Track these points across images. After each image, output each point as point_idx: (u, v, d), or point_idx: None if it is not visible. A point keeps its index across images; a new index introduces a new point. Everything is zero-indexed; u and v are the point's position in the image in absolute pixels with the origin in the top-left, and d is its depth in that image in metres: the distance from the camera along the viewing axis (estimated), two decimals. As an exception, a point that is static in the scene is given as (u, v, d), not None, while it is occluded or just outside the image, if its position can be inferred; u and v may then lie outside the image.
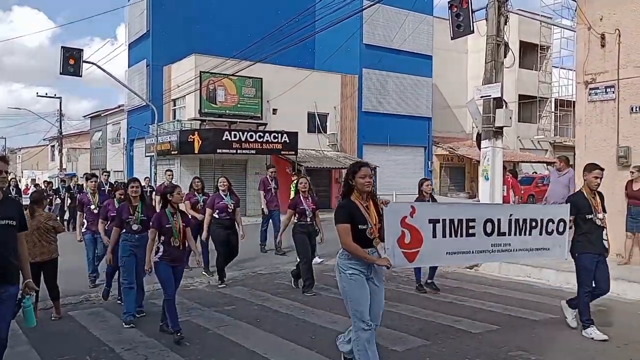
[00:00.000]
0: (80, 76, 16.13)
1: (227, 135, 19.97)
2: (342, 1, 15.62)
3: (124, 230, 6.06)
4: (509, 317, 5.94)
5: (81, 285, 7.86)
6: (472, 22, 10.21)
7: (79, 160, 38.52)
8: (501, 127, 9.68)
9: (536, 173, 29.03)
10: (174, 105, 24.15)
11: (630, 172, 8.34)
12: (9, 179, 18.40)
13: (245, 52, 19.19)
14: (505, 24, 9.98)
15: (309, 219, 7.53)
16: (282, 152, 21.38)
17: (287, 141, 21.15)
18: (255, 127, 22.04)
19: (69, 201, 16.30)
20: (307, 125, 24.58)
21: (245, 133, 20.40)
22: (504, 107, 9.82)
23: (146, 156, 23.92)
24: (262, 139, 20.73)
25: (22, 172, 42.49)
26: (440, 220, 4.37)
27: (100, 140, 33.63)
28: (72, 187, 17.26)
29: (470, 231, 4.59)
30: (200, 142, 19.72)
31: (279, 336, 5.36)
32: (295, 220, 7.53)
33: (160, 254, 5.35)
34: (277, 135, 21.05)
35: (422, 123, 28.39)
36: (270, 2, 25.98)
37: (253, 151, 20.66)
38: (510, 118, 9.85)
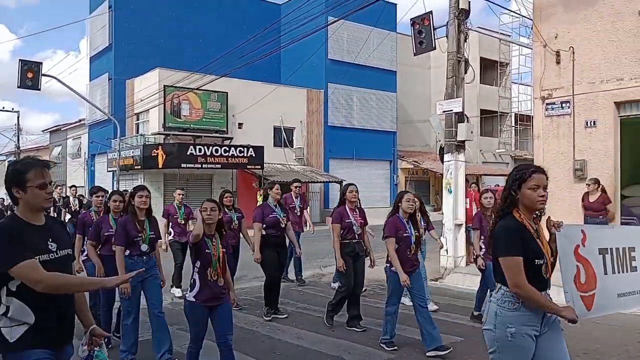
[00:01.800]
0: (39, 90, 15.72)
1: (191, 150, 19.75)
2: (307, 17, 15.79)
3: (128, 252, 4.98)
4: (473, 329, 6.01)
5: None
6: (434, 39, 10.44)
7: (37, 176, 37.37)
8: (463, 141, 9.89)
9: (498, 185, 29.70)
10: (137, 120, 23.77)
11: (587, 184, 8.63)
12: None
13: (211, 66, 19.11)
14: (465, 41, 10.25)
15: (356, 236, 6.11)
16: (248, 167, 21.28)
17: (253, 155, 21.07)
18: (221, 141, 21.89)
19: (69, 217, 14.37)
20: (274, 139, 24.58)
21: (211, 147, 20.22)
22: (466, 121, 10.05)
23: (108, 171, 23.40)
24: (227, 153, 20.58)
25: None
26: (609, 250, 3.23)
27: (60, 155, 32.73)
28: (56, 199, 14.76)
29: (633, 263, 3.38)
30: (164, 156, 19.43)
31: (245, 354, 5.28)
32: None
33: (195, 291, 4.14)
34: (242, 150, 20.95)
35: (387, 137, 28.79)
36: (237, 17, 26.06)
37: (219, 165, 20.48)
38: (472, 132, 10.09)
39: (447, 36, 10.20)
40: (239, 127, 23.26)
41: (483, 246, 6.12)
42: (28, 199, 2.47)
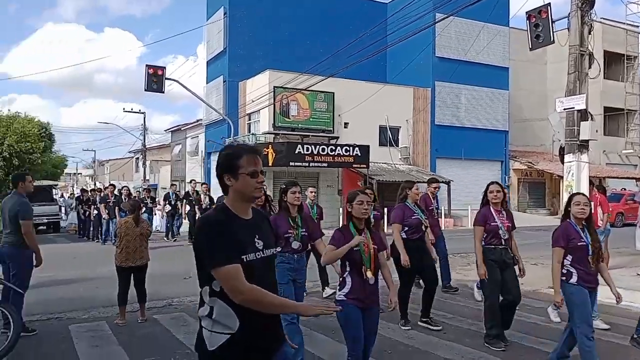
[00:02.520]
0: (163, 92, 17.02)
1: (299, 149, 20.33)
2: (414, 14, 15.58)
3: (279, 250, 4.86)
4: (598, 341, 5.55)
5: (163, 290, 8.25)
6: (552, 32, 9.84)
7: (160, 172, 40.54)
8: (586, 141, 9.22)
9: (625, 189, 27.27)
10: (249, 120, 24.93)
11: None
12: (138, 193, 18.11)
13: (318, 67, 19.55)
14: (589, 33, 9.55)
15: (502, 242, 5.31)
16: (354, 166, 21.46)
17: (359, 154, 21.21)
18: (327, 140, 22.30)
19: (187, 208, 15.61)
20: (379, 138, 24.58)
21: (317, 146, 20.67)
22: (589, 119, 9.36)
23: (222, 168, 24.75)
24: (333, 152, 20.91)
25: (109, 182, 45.28)
26: None
27: (180, 153, 35.25)
28: (190, 193, 15.85)
29: None
30: (274, 155, 20.19)
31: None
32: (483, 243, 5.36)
33: (346, 290, 3.83)
34: (348, 149, 21.17)
35: (498, 136, 27.59)
36: (343, 18, 26.35)
37: (325, 164, 20.87)
38: (597, 131, 9.38)
39: (568, 29, 9.57)
40: (345, 127, 23.54)
41: None
42: (238, 187, 2.31)
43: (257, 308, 2.17)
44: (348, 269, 3.86)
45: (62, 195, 24.66)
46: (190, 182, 16.66)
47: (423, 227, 6.13)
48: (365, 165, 21.38)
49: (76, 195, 22.13)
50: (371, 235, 3.93)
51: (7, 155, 17.33)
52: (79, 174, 71.13)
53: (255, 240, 2.31)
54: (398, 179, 22.82)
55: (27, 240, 5.82)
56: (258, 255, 2.28)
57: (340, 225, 4.32)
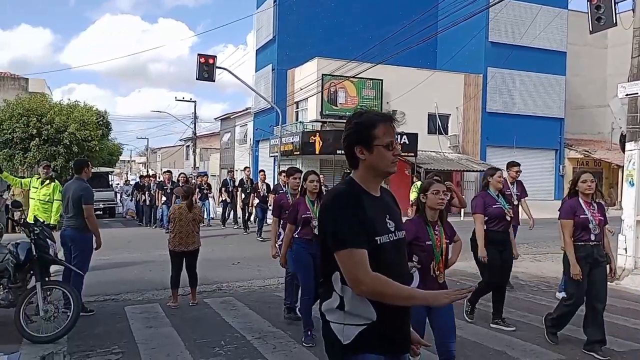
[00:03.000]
0: (214, 81, 17.22)
1: (347, 137, 20.22)
2: (467, -1, 15.13)
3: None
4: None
5: (213, 275, 8.44)
6: (615, 14, 9.35)
7: (210, 160, 41.43)
8: (650, 128, 8.74)
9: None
10: (297, 108, 25.02)
11: None
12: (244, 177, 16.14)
13: (367, 54, 19.35)
14: (657, 14, 9.00)
15: (593, 237, 4.78)
16: (402, 154, 21.20)
17: (407, 142, 20.93)
18: (375, 128, 22.09)
19: (243, 196, 15.23)
20: (428, 126, 24.16)
21: (365, 134, 20.51)
22: (654, 105, 8.85)
23: (270, 156, 25.05)
24: (381, 141, 20.69)
25: (161, 169, 46.68)
26: None
27: (229, 141, 35.86)
28: (244, 181, 15.33)
29: None
30: (321, 143, 20.22)
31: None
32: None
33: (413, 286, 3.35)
34: (396, 137, 20.88)
35: (553, 124, 26.58)
36: (393, 3, 25.91)
37: (372, 152, 20.69)
38: (661, 118, 8.85)
39: (633, 10, 9.06)
40: (395, 114, 23.23)
41: None
42: (373, 161, 2.04)
43: (379, 299, 1.93)
44: (416, 264, 3.56)
45: (126, 182, 25.41)
46: (245, 169, 16.50)
47: (507, 217, 5.56)
48: (413, 154, 21.09)
49: (135, 182, 22.74)
50: (444, 229, 3.71)
51: (68, 143, 18.05)
52: (132, 161, 73.65)
53: (387, 220, 2.06)
54: (447, 167, 22.43)
55: (89, 223, 6.07)
56: (390, 237, 2.03)
57: (412, 217, 4.00)
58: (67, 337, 5.12)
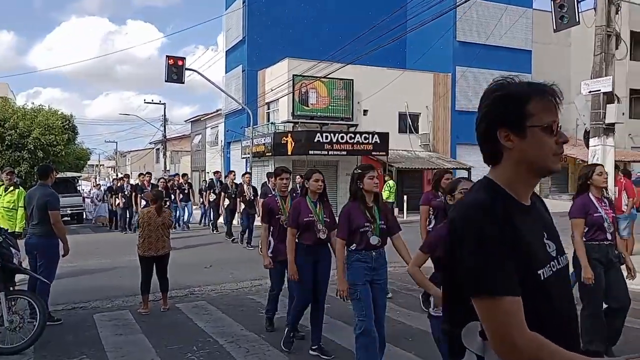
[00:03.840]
0: (183, 83, 17.05)
1: (318, 137, 20.28)
2: (435, -1, 15.31)
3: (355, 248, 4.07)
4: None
5: (185, 279, 8.33)
6: (578, 13, 9.60)
7: (180, 162, 40.92)
8: (612, 124, 9.00)
9: (650, 174, 26.64)
10: (268, 109, 24.92)
11: None
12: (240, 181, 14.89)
13: (337, 55, 19.40)
14: (617, 13, 9.28)
15: (608, 236, 4.42)
16: (373, 153, 21.32)
17: (378, 142, 21.08)
18: (346, 128, 22.20)
19: (227, 202, 14.26)
20: (398, 125, 24.36)
21: (336, 134, 20.59)
22: (616, 102, 9.12)
23: (242, 158, 24.87)
24: (352, 140, 20.82)
25: (131, 173, 45.91)
26: None
27: (200, 143, 35.48)
28: (229, 186, 14.28)
29: None
30: (293, 143, 20.17)
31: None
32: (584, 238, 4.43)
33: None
34: (367, 136, 21.05)
35: (520, 121, 27.12)
36: (362, 4, 26.04)
37: (344, 152, 20.79)
38: (623, 114, 9.14)
39: (594, 9, 9.32)
40: (364, 114, 23.38)
41: None
42: (527, 150, 1.40)
43: None
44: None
45: (97, 186, 24.45)
46: (230, 173, 15.22)
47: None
48: (384, 153, 21.25)
49: (108, 185, 22.08)
50: None
51: (32, 148, 17.58)
52: (101, 165, 72.23)
53: (545, 241, 1.42)
54: (418, 166, 22.68)
55: (56, 230, 5.92)
56: (553, 266, 1.39)
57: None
58: (33, 347, 4.99)
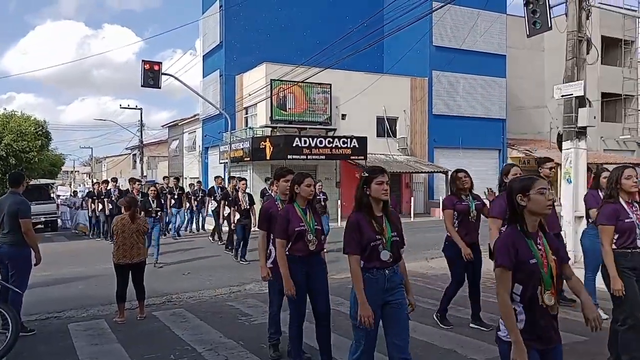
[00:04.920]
0: (159, 88, 16.92)
1: (297, 142, 20.27)
2: (410, 4, 15.47)
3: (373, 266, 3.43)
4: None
5: (162, 287, 8.21)
6: (550, 19, 9.77)
7: (158, 168, 40.48)
8: (584, 127, 9.17)
9: (622, 175, 27.24)
10: (246, 113, 24.82)
11: None
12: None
13: (315, 59, 19.45)
14: (587, 18, 9.48)
15: (638, 243, 4.12)
16: (352, 157, 21.41)
17: (357, 146, 21.17)
18: (325, 132, 22.23)
19: (227, 210, 12.25)
20: (376, 129, 24.51)
21: (315, 139, 20.61)
22: (588, 105, 9.31)
23: (220, 163, 24.72)
24: (331, 145, 20.86)
25: (110, 179, 45.15)
26: None
27: (177, 148, 35.15)
28: (230, 193, 12.43)
29: None
30: (271, 148, 20.13)
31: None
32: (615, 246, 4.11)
33: (519, 325, 2.64)
34: (346, 141, 21.12)
35: (495, 125, 27.53)
36: (339, 9, 26.18)
37: (323, 157, 20.82)
38: (594, 117, 9.32)
39: (566, 14, 9.50)
40: (342, 118, 23.46)
41: None
42: None
43: None
44: (518, 291, 2.65)
45: (74, 193, 23.66)
46: (231, 179, 13.48)
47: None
48: (363, 157, 21.34)
49: (87, 190, 20.90)
50: (546, 238, 2.74)
51: (4, 155, 17.21)
52: (76, 171, 71.01)
53: None
54: (396, 169, 22.81)
55: (27, 238, 5.79)
56: None
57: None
58: (5, 359, 4.85)
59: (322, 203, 10.48)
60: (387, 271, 3.41)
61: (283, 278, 4.23)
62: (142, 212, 8.79)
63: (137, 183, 13.84)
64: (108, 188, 15.94)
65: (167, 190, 16.10)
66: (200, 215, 17.21)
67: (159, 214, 11.02)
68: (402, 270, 3.55)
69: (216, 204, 14.10)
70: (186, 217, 16.84)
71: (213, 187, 15.40)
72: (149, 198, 10.99)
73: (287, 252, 4.28)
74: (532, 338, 2.64)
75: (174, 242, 14.57)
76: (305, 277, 4.29)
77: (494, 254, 2.80)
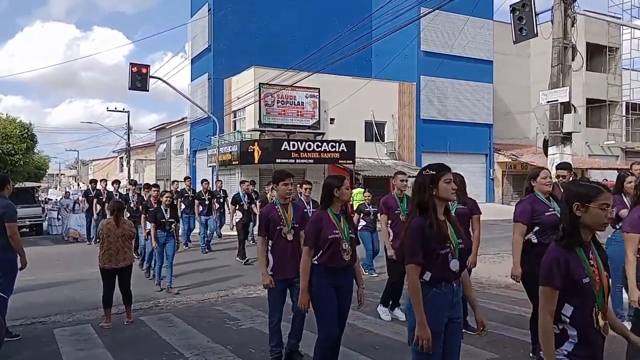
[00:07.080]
0: (147, 91, 16.81)
1: (285, 145, 20.28)
2: (399, 9, 15.57)
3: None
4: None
5: (150, 291, 8.16)
6: (536, 25, 9.91)
7: (145, 171, 40.18)
8: (569, 133, 9.31)
9: (606, 180, 27.60)
10: (234, 117, 24.78)
11: None
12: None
13: (303, 63, 19.49)
14: (572, 25, 9.63)
15: None
16: (340, 161, 21.45)
17: (345, 150, 21.23)
18: (313, 136, 22.27)
19: (240, 215, 11.79)
20: (365, 134, 24.60)
21: (304, 143, 20.64)
22: (573, 111, 9.45)
23: (208, 166, 24.63)
24: (319, 149, 20.91)
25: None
26: None
27: (164, 151, 34.95)
28: (241, 198, 11.97)
29: None
30: (260, 152, 20.12)
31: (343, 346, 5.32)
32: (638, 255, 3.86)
33: (568, 347, 2.37)
34: (334, 145, 21.17)
35: (482, 130, 27.78)
36: (328, 13, 26.28)
37: (311, 161, 20.85)
38: (580, 123, 9.47)
39: (552, 21, 9.65)
40: (331, 123, 23.52)
41: None
42: None
43: None
44: (568, 313, 2.36)
45: (66, 195, 22.48)
46: (242, 183, 12.70)
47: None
48: (351, 161, 21.40)
49: (84, 190, 18.32)
50: (598, 251, 2.45)
51: (-11, 158, 17.00)
52: (62, 174, 70.29)
53: None
54: (384, 174, 22.87)
55: (12, 242, 5.71)
56: None
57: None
58: (-12, 366, 4.79)
59: (371, 217, 9.23)
60: (454, 284, 3.00)
61: (301, 290, 3.92)
62: (153, 224, 8.14)
63: (153, 189, 10.61)
64: (108, 189, 14.93)
65: (192, 194, 13.92)
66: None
67: (172, 226, 8.47)
68: (465, 281, 3.16)
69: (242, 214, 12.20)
70: (216, 223, 14.17)
71: (238, 193, 13.03)
72: (162, 206, 8.55)
73: (315, 262, 3.88)
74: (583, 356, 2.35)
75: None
76: (335, 292, 3.89)
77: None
